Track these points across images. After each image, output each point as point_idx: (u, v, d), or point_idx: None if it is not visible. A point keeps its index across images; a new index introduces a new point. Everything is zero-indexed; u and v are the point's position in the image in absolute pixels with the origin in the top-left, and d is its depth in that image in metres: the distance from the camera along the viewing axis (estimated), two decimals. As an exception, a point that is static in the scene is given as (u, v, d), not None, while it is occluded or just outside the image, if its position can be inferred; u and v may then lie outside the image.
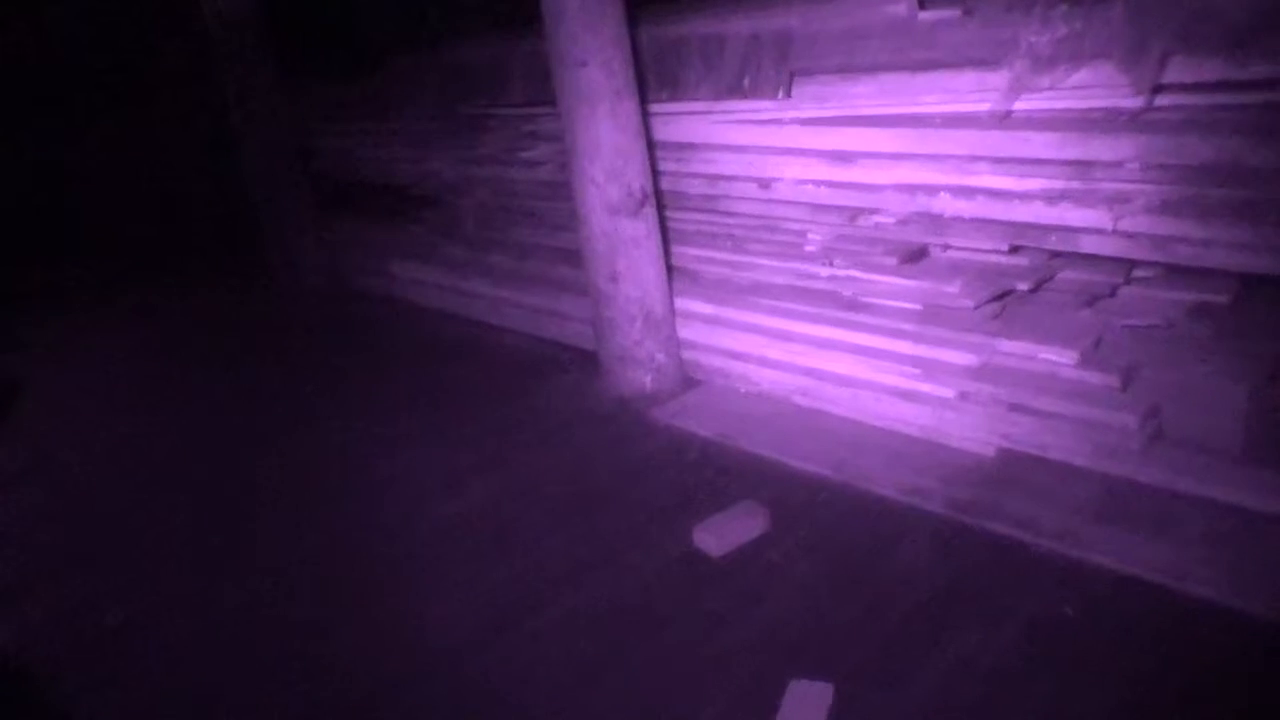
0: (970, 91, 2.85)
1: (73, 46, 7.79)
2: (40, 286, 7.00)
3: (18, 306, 6.44)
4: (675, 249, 3.84)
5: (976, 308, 2.95)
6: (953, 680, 2.01)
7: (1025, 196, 2.78)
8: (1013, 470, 2.77)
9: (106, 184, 8.04)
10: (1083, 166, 2.67)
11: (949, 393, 2.94)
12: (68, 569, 2.99)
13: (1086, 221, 2.64)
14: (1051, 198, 2.72)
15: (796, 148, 3.33)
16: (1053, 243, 2.79)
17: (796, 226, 3.49)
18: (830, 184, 3.27)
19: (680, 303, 3.72)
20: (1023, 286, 2.96)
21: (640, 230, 3.45)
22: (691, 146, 3.71)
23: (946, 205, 2.97)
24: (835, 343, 3.24)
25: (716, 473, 3.03)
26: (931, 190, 3.00)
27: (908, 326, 3.08)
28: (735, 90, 3.42)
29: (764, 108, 3.40)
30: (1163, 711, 1.88)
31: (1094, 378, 2.72)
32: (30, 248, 7.58)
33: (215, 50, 5.64)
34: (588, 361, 3.94)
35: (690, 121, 3.67)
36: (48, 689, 2.41)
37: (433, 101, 5.05)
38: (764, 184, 3.47)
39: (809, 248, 3.41)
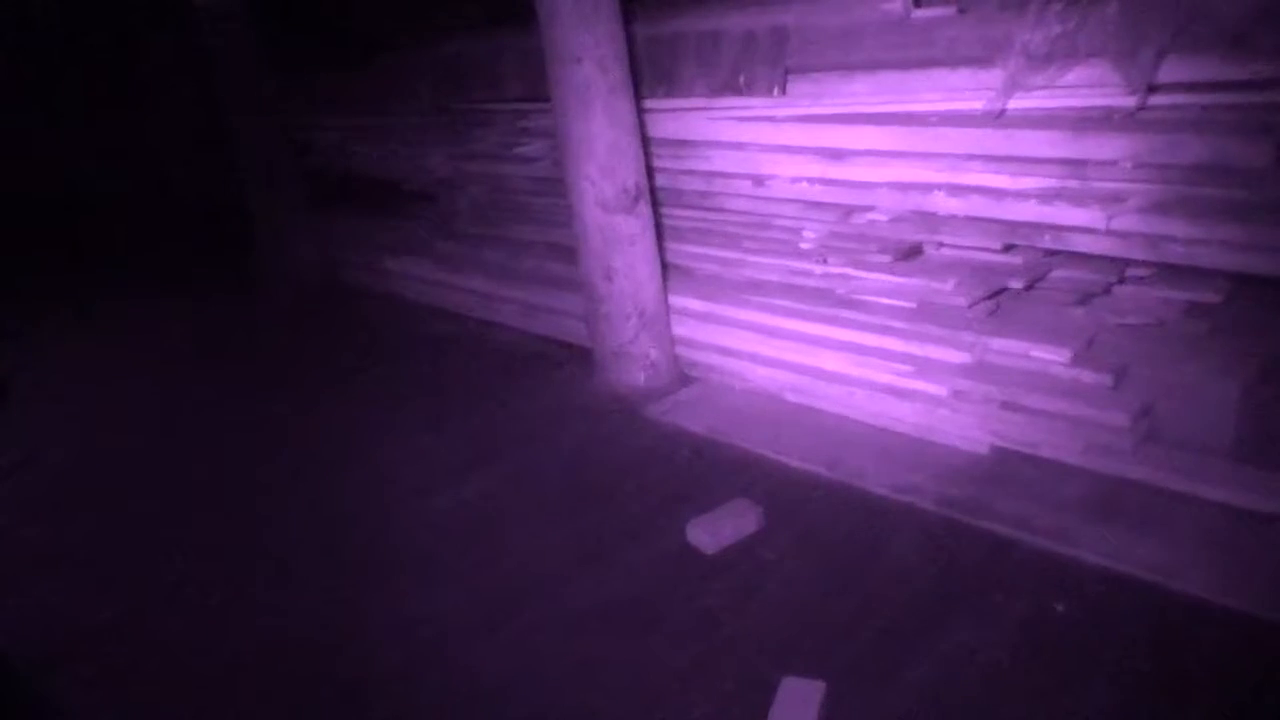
0: (965, 89, 2.86)
1: (56, 37, 7.72)
2: (32, 278, 6.97)
3: (7, 298, 6.41)
4: (670, 246, 3.84)
5: (970, 306, 2.95)
6: (944, 678, 2.02)
7: (1019, 195, 2.78)
8: (1005, 468, 2.78)
9: (97, 178, 8.01)
10: (1077, 165, 2.67)
11: (942, 390, 2.94)
12: (58, 563, 2.98)
13: (1080, 220, 2.65)
14: (1045, 196, 2.72)
15: (791, 145, 3.33)
16: (1046, 241, 2.79)
17: (791, 224, 3.49)
18: (825, 181, 3.27)
19: (674, 299, 3.71)
20: (1016, 285, 2.96)
21: (635, 227, 3.45)
22: (686, 143, 3.71)
23: (941, 203, 2.97)
24: (829, 340, 3.25)
25: (709, 469, 3.03)
26: (926, 188, 3.00)
27: (901, 324, 3.08)
28: (730, 87, 3.42)
29: (759, 105, 3.40)
30: (1153, 709, 1.89)
31: (1086, 376, 2.72)
32: (20, 240, 7.54)
33: (204, 42, 5.60)
34: (582, 357, 3.94)
35: (685, 118, 3.67)
36: (40, 683, 2.41)
37: (427, 96, 5.04)
38: (759, 181, 3.47)
39: (803, 245, 3.41)
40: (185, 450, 3.75)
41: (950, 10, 2.91)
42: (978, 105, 2.79)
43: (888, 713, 1.95)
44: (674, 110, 3.70)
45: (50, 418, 4.32)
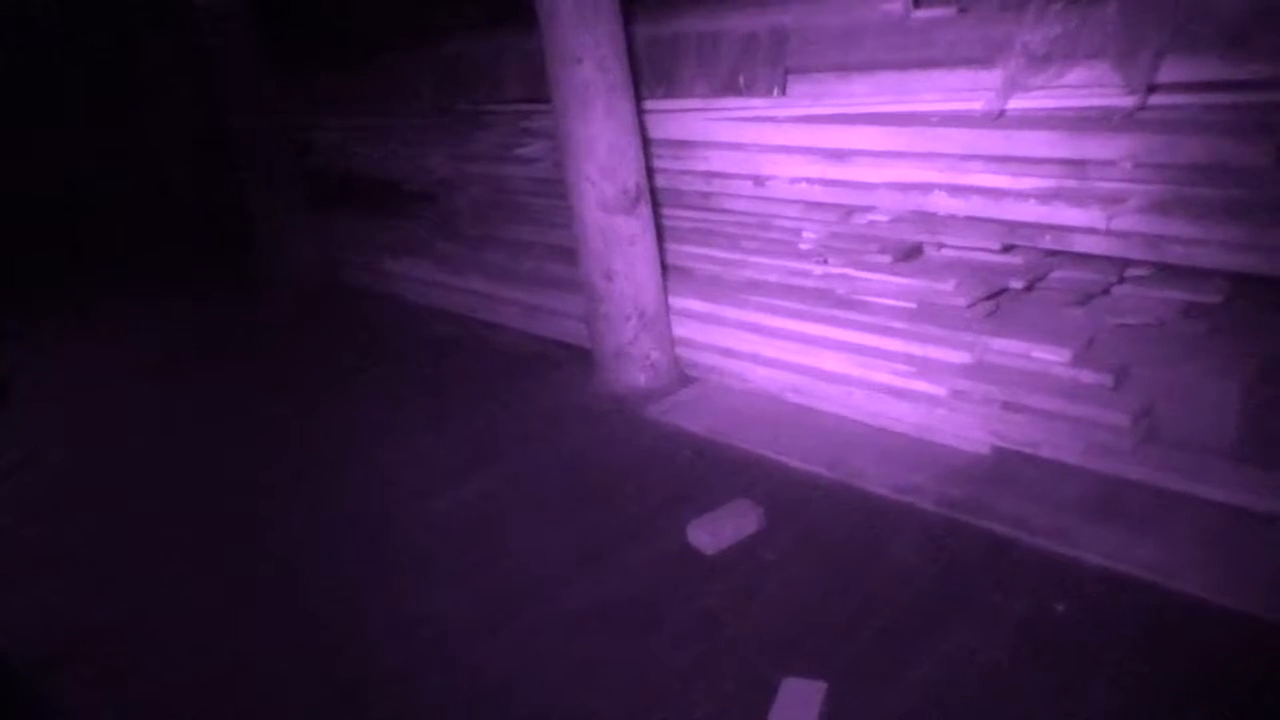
0: (965, 90, 2.86)
1: (56, 37, 7.71)
2: (32, 278, 6.96)
3: (7, 298, 6.41)
4: (670, 246, 3.84)
5: (970, 306, 2.96)
6: (944, 678, 2.02)
7: (1019, 195, 2.78)
8: (1005, 468, 2.78)
9: (97, 178, 8.00)
10: (1076, 165, 2.67)
11: (942, 391, 2.95)
12: (58, 563, 2.98)
13: (1080, 220, 2.65)
14: (1045, 196, 2.72)
15: (791, 145, 3.33)
16: (1046, 241, 2.79)
17: (791, 224, 3.50)
18: (825, 182, 3.27)
19: (675, 300, 3.71)
20: (1016, 285, 2.97)
21: (635, 228, 3.45)
22: (686, 144, 3.71)
23: (941, 203, 2.97)
24: (829, 340, 3.25)
25: (710, 470, 3.03)
26: (926, 188, 3.00)
27: (901, 324, 3.08)
28: (730, 87, 3.42)
29: (759, 105, 3.40)
30: (1153, 708, 1.89)
31: (1086, 376, 2.72)
32: (20, 240, 7.53)
33: (204, 42, 5.60)
34: (582, 358, 3.94)
35: (685, 119, 3.67)
36: (40, 683, 2.41)
37: (428, 97, 5.04)
38: (759, 181, 3.47)
39: (803, 245, 3.41)
40: (185, 450, 3.75)
41: (950, 11, 2.91)
42: (977, 106, 2.79)
43: (888, 713, 1.95)
44: (674, 111, 3.70)
45: (50, 418, 4.32)
